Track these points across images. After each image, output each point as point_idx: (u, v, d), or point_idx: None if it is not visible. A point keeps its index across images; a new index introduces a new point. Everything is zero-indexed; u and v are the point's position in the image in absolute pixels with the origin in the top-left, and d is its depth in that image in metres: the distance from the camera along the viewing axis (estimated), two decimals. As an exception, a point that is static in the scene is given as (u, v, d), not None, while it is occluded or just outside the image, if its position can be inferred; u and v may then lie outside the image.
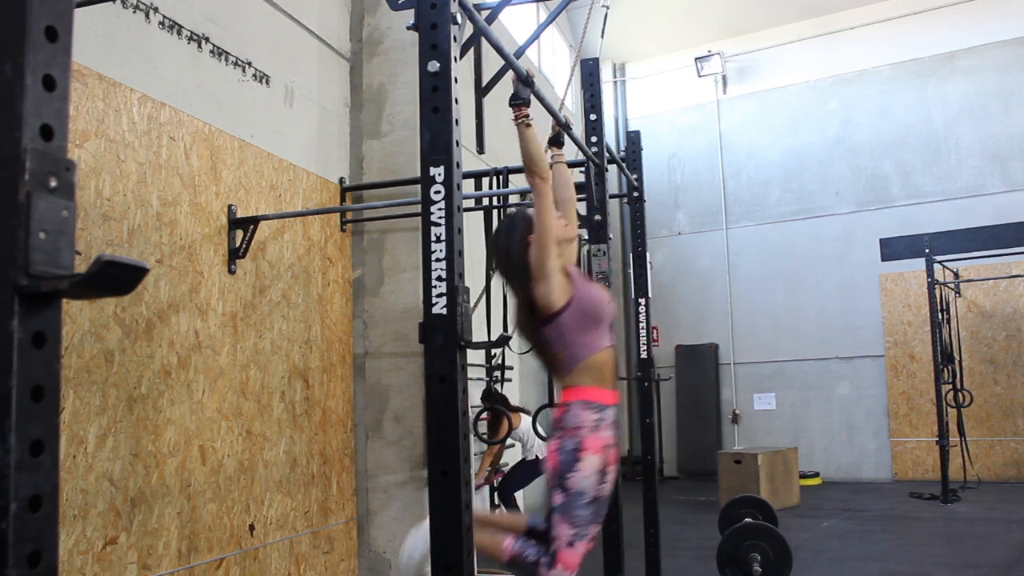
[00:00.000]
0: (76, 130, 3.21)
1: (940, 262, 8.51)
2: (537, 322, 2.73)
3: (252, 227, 4.13)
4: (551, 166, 3.27)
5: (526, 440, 6.34)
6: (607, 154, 3.92)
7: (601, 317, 2.74)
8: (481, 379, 5.20)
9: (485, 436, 5.99)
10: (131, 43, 3.55)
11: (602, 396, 2.72)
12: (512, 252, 2.76)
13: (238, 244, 4.12)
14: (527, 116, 2.72)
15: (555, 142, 3.25)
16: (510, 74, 2.81)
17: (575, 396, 2.70)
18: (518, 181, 4.60)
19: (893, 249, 8.29)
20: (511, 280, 2.82)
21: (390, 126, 5.20)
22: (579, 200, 3.99)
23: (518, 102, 2.73)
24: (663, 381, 10.34)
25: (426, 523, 2.25)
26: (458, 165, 2.06)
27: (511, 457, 6.86)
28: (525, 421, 6.27)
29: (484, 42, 4.92)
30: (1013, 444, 9.39)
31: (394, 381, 5.07)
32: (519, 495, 6.77)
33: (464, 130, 2.79)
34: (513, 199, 4.67)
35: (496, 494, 6.55)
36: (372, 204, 4.96)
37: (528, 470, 6.54)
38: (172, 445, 3.63)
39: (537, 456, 6.34)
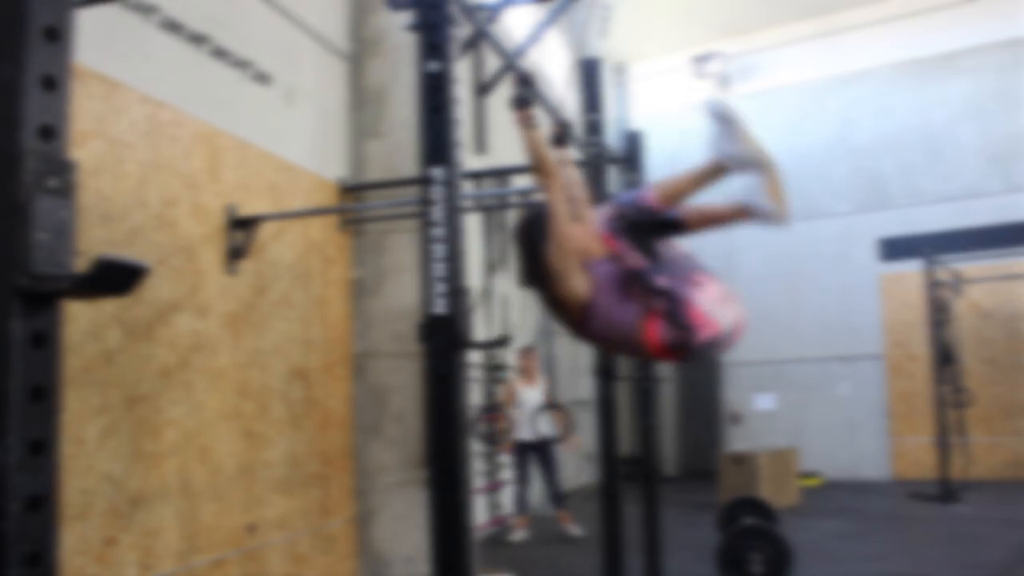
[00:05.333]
0: (76, 130, 3.20)
1: (940, 263, 8.51)
2: (576, 322, 2.54)
3: (252, 227, 4.13)
4: None
5: (528, 411, 6.50)
6: (607, 154, 3.92)
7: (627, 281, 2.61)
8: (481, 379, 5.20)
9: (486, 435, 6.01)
10: (131, 43, 3.55)
11: None
12: (538, 253, 2.50)
13: (238, 244, 4.12)
14: (531, 117, 2.66)
15: (556, 143, 3.23)
16: (511, 74, 2.81)
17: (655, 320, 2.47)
18: (518, 181, 4.60)
19: (893, 250, 8.30)
20: (535, 283, 2.57)
21: (390, 126, 5.20)
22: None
23: (520, 104, 2.69)
24: (663, 381, 10.34)
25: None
26: (458, 165, 2.07)
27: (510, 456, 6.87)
28: (533, 396, 6.46)
29: (484, 42, 4.91)
30: (1013, 444, 9.39)
31: (394, 381, 5.06)
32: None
33: (464, 130, 2.78)
34: (513, 199, 4.67)
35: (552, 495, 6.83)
36: (372, 204, 4.96)
37: (543, 454, 6.79)
38: (172, 445, 3.63)
39: (543, 440, 6.54)
